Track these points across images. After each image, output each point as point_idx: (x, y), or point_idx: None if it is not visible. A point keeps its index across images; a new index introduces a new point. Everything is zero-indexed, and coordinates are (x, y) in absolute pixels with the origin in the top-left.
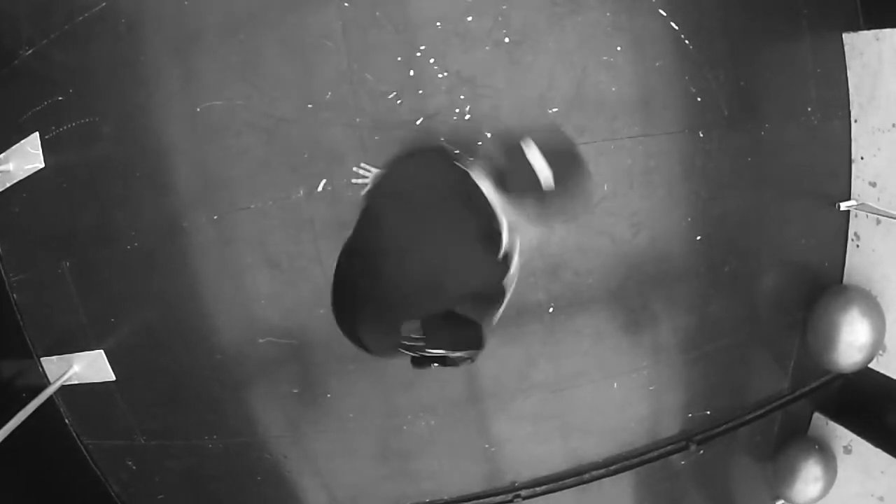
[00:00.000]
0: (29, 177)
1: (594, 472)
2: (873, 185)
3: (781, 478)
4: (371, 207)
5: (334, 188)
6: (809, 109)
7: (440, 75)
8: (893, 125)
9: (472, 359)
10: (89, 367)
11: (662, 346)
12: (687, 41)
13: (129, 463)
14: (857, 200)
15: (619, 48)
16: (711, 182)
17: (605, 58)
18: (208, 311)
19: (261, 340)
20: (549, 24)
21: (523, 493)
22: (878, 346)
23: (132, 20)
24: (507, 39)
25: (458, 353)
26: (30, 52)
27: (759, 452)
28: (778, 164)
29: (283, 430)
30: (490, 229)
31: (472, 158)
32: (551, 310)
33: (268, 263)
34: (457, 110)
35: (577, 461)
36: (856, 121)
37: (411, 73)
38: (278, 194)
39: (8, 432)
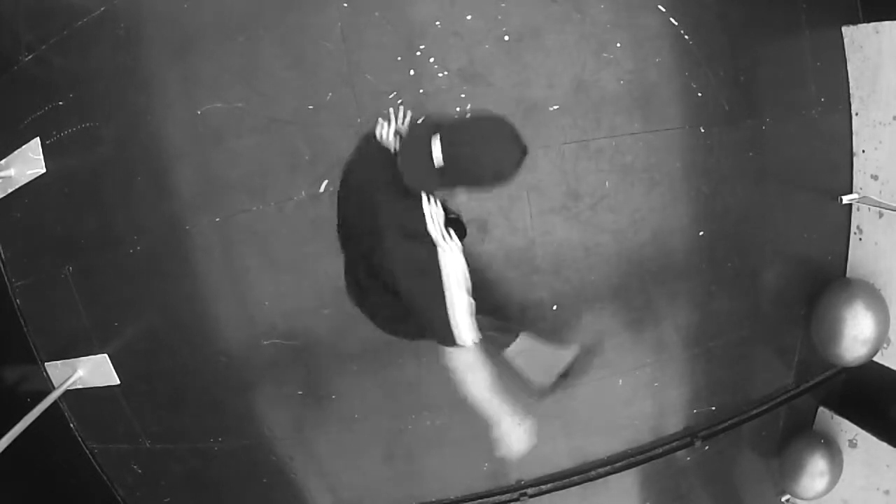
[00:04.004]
0: (31, 182)
1: (599, 470)
2: (875, 178)
3: (787, 472)
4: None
5: (336, 189)
6: (810, 103)
7: (440, 74)
8: (894, 118)
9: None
10: (94, 371)
11: (666, 342)
12: (686, 37)
13: (135, 467)
14: (858, 194)
15: (618, 45)
16: (713, 178)
17: (604, 55)
18: (212, 313)
19: (265, 342)
20: (548, 22)
21: (529, 491)
22: (882, 339)
23: (131, 24)
24: (506, 38)
25: None
26: (29, 57)
27: (764, 447)
28: (779, 158)
29: (288, 432)
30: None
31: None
32: (555, 308)
33: (271, 265)
34: (458, 109)
35: (582, 459)
36: (857, 114)
37: (411, 72)
38: (280, 196)
39: (13, 437)
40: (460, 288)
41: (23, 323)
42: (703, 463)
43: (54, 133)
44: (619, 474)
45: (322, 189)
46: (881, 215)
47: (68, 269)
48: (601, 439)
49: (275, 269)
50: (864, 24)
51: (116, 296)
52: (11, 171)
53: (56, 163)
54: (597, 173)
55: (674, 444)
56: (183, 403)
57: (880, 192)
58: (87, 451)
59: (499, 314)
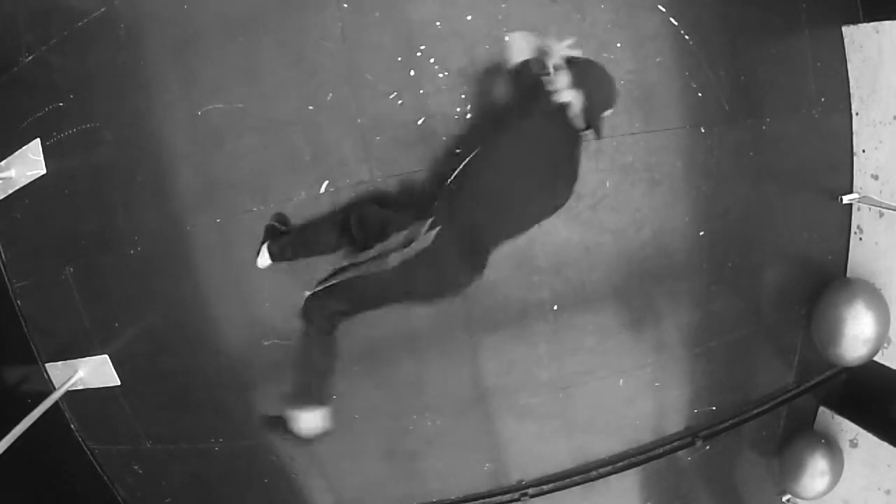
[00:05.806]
0: (31, 183)
1: (600, 470)
2: (875, 177)
3: (787, 472)
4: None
5: (337, 189)
6: (810, 103)
7: (440, 75)
8: (894, 118)
9: None
10: (94, 371)
11: (667, 342)
12: (686, 37)
13: (136, 467)
14: (859, 193)
15: (618, 45)
16: (713, 177)
17: (604, 55)
18: (212, 314)
19: (265, 343)
20: (548, 22)
21: (530, 491)
22: (882, 339)
23: (131, 25)
24: (507, 38)
25: None
26: (30, 58)
27: (764, 447)
28: (779, 158)
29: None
30: None
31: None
32: (555, 308)
33: (271, 266)
34: (458, 109)
35: (583, 459)
36: (857, 114)
37: (412, 72)
38: (281, 196)
39: (14, 438)
40: None
41: (23, 323)
42: (704, 463)
43: (55, 134)
44: (620, 474)
45: (323, 189)
46: (881, 215)
47: (69, 269)
48: (602, 439)
49: (275, 270)
50: (865, 24)
51: (117, 296)
52: (12, 172)
53: (56, 164)
54: (597, 173)
55: (675, 443)
56: (184, 404)
57: (880, 191)
58: (88, 452)
59: None
